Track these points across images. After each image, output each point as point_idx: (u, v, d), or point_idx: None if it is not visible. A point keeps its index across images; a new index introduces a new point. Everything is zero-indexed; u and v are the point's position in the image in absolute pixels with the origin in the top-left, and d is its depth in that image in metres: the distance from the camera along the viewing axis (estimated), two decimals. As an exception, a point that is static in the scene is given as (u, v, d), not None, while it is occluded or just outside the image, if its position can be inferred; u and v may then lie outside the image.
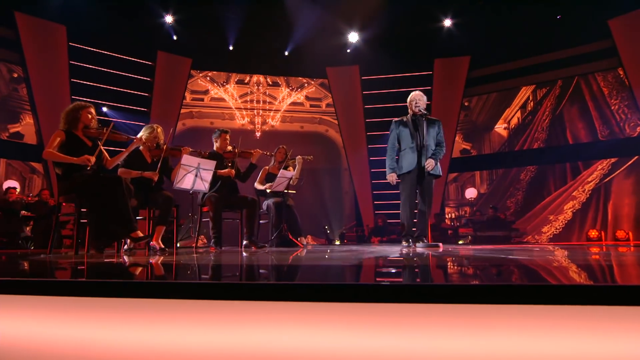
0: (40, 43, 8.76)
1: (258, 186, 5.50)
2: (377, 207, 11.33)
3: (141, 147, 4.16)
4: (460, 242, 9.56)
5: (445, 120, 10.93)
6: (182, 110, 11.00)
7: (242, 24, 10.35)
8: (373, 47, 11.12)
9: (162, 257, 3.07)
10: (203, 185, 4.16)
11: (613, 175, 9.73)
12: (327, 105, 11.93)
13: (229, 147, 4.93)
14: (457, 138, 11.45)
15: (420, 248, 3.97)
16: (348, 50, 11.38)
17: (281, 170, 5.19)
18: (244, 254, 3.63)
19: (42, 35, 8.80)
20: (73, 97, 9.00)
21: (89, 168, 3.39)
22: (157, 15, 9.66)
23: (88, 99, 9.04)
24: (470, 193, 11.19)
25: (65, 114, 3.60)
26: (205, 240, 7.72)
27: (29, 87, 8.68)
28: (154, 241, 3.95)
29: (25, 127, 8.79)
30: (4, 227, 7.18)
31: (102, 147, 3.62)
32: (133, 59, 10.01)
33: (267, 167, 5.74)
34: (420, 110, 4.37)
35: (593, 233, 9.48)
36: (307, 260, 2.69)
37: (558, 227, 10.17)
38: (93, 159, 3.39)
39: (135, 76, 10.05)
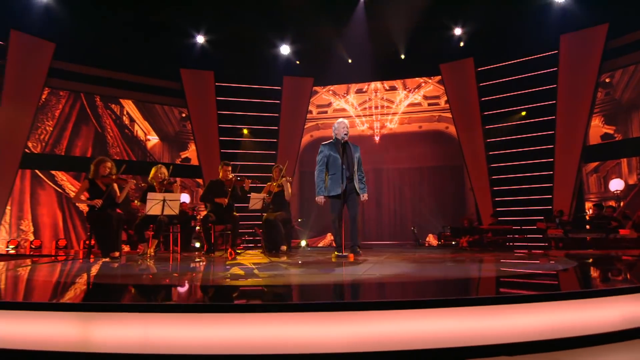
0: (197, 88, 11.55)
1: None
2: (496, 204, 10.75)
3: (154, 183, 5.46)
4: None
5: (577, 102, 9.72)
6: (309, 124, 12.63)
7: (356, 38, 11.31)
8: (486, 36, 10.62)
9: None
10: (172, 211, 4.93)
11: None
12: (446, 101, 11.80)
13: (230, 176, 5.72)
14: (596, 121, 9.90)
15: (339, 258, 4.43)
16: (461, 44, 11.10)
17: (252, 193, 5.86)
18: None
19: (198, 82, 11.58)
20: (220, 125, 11.62)
21: (96, 208, 4.92)
22: (277, 46, 11.49)
23: (230, 125, 11.31)
24: (616, 185, 9.52)
25: (92, 165, 5.09)
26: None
27: (191, 123, 11.56)
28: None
29: (191, 152, 11.75)
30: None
31: (116, 188, 5.07)
32: (264, 87, 12.07)
33: (269, 184, 6.28)
34: (344, 138, 4.65)
35: None
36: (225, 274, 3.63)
37: None
38: (100, 202, 4.88)
39: (267, 101, 12.10)
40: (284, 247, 5.74)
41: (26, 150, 9.59)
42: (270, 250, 5.75)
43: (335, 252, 4.61)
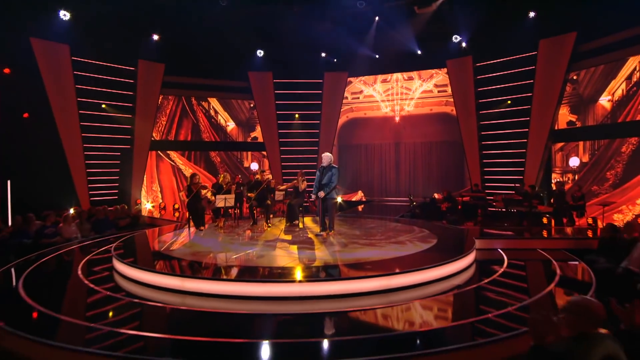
0: (260, 86, 15.58)
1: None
2: (485, 173, 13.88)
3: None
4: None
5: (548, 94, 12.29)
6: (345, 107, 16.27)
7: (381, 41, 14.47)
8: (482, 40, 13.27)
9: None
10: (230, 203, 9.00)
11: None
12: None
13: (266, 178, 9.63)
14: (563, 111, 12.45)
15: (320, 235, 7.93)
16: (464, 44, 13.80)
17: (278, 186, 9.88)
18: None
19: (261, 81, 15.58)
20: (277, 112, 15.71)
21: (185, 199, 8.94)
22: (319, 51, 15.02)
23: (285, 112, 15.27)
24: (573, 162, 12.28)
25: (189, 177, 9.26)
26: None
27: (257, 111, 15.77)
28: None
29: (258, 132, 16.10)
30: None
31: (199, 188, 9.03)
32: (310, 80, 15.79)
33: (295, 182, 9.54)
34: (323, 165, 7.73)
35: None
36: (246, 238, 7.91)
37: (652, 200, 10.56)
38: (186, 198, 8.75)
39: (313, 92, 15.86)
40: (296, 222, 9.34)
41: (152, 138, 14.53)
42: (291, 222, 9.24)
43: (318, 231, 8.15)
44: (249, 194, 9.50)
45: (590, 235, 8.48)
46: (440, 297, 5.04)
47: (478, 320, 4.28)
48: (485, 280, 5.70)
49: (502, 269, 6.26)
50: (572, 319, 2.52)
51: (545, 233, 9.28)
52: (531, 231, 9.42)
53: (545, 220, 10.59)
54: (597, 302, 2.55)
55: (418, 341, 3.83)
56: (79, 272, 6.21)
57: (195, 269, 5.78)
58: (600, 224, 9.91)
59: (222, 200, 8.72)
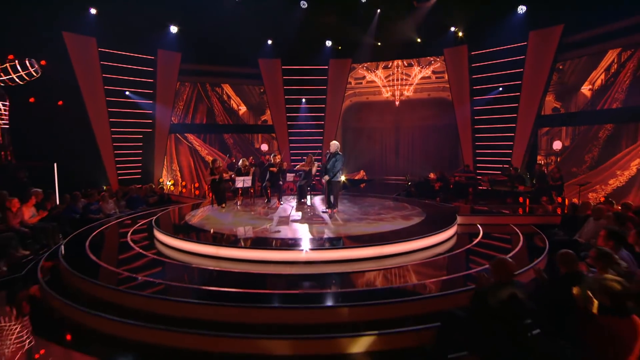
0: (270, 72, 16.67)
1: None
2: (477, 155, 15.08)
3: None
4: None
5: (536, 82, 13.34)
6: (348, 92, 17.37)
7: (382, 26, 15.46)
8: (477, 31, 14.24)
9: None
10: (247, 184, 10.41)
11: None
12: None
13: (278, 161, 10.85)
14: (550, 98, 13.53)
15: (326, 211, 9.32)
16: (461, 34, 14.78)
17: (294, 169, 11.10)
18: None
19: (271, 68, 16.65)
20: (285, 97, 16.84)
21: (210, 180, 10.32)
22: (325, 40, 16.01)
23: (293, 96, 16.49)
24: (556, 145, 13.45)
25: (211, 162, 10.56)
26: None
27: (267, 96, 16.92)
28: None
29: (267, 116, 17.28)
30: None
31: (221, 172, 10.38)
32: (310, 67, 16.84)
33: (301, 164, 10.87)
34: (330, 152, 9.05)
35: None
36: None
37: (622, 181, 11.77)
38: (209, 179, 10.20)
39: (319, 77, 16.93)
40: (304, 200, 10.77)
41: (171, 122, 15.77)
42: (299, 200, 10.72)
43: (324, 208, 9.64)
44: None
45: (559, 213, 9.76)
46: (425, 262, 6.38)
47: (450, 279, 5.63)
48: (461, 249, 7.04)
49: (476, 240, 7.60)
50: (493, 271, 3.86)
51: (520, 210, 10.58)
52: (513, 208, 10.71)
53: (520, 199, 11.85)
54: (511, 261, 3.88)
55: (400, 293, 5.18)
56: (129, 239, 7.61)
57: (221, 239, 7.13)
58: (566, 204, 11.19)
59: (241, 182, 10.05)
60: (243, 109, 17.19)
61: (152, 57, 14.93)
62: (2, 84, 9.61)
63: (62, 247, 7.19)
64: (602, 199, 11.11)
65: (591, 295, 3.09)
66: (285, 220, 8.45)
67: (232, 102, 16.98)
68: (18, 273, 6.52)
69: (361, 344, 4.07)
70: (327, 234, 7.33)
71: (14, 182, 9.26)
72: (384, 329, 4.18)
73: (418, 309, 4.65)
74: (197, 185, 15.83)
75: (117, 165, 14.35)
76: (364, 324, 4.32)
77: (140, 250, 6.97)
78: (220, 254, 6.49)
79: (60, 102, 12.84)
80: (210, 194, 10.13)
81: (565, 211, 9.26)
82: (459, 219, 8.50)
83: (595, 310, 3.02)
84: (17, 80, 9.58)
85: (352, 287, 5.39)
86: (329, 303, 4.79)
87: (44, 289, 5.48)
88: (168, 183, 15.65)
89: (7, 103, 9.98)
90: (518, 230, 8.24)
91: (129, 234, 8.12)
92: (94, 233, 8.29)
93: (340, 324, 4.39)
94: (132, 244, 7.36)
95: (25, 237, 7.45)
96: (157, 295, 4.96)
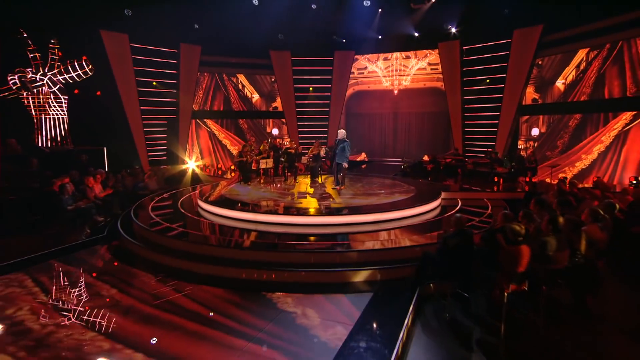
0: (280, 63, 18.38)
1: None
2: (466, 140, 16.97)
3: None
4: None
5: (518, 76, 15.13)
6: (352, 81, 19.13)
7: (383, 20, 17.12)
8: (468, 27, 15.94)
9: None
10: (269, 165, 12.46)
11: (632, 125, 12.52)
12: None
13: (294, 145, 12.76)
14: (530, 89, 15.35)
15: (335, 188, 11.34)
16: (454, 30, 16.47)
17: (307, 153, 12.99)
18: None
19: (281, 59, 18.35)
20: (295, 85, 18.60)
21: (238, 161, 12.29)
22: (331, 33, 17.68)
23: (302, 85, 18.32)
24: (535, 132, 15.35)
25: (241, 146, 12.49)
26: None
27: (278, 84, 18.68)
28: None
29: (278, 103, 19.09)
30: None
31: (248, 155, 12.36)
32: (316, 58, 18.54)
33: (313, 147, 12.82)
34: (338, 139, 11.11)
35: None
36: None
37: (586, 164, 13.73)
38: (237, 160, 12.17)
39: (324, 67, 18.66)
40: (316, 179, 12.74)
41: (192, 109, 17.58)
42: (312, 179, 12.72)
43: (333, 185, 11.69)
44: (281, 159, 12.83)
45: (526, 189, 11.75)
46: (414, 226, 8.36)
47: (430, 235, 7.64)
48: (442, 217, 9.04)
49: (454, 211, 9.59)
50: (453, 222, 5.84)
51: (495, 188, 12.57)
52: (489, 186, 12.68)
53: (495, 179, 13.82)
54: (464, 217, 5.85)
55: (394, 245, 7.17)
56: (179, 207, 9.60)
57: (251, 207, 9.08)
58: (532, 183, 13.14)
59: (264, 163, 12.00)
60: (256, 96, 18.98)
61: (175, 51, 16.64)
62: (63, 81, 11.41)
63: (132, 211, 9.20)
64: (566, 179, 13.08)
65: (504, 235, 5.09)
66: (304, 195, 10.41)
67: (246, 90, 18.76)
68: (101, 234, 8.52)
69: (363, 274, 6.11)
70: (338, 204, 9.31)
71: (77, 165, 11.17)
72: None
73: (407, 254, 6.67)
74: (220, 165, 17.78)
75: (147, 148, 16.25)
76: (368, 264, 6.36)
77: (192, 215, 8.97)
78: (258, 219, 8.46)
79: (98, 93, 14.65)
80: (237, 173, 12.04)
81: (527, 189, 11.29)
82: (444, 195, 10.48)
83: (504, 242, 5.02)
84: (75, 78, 11.37)
85: (359, 241, 7.40)
86: (343, 249, 6.81)
87: (123, 237, 7.57)
88: (192, 164, 17.58)
89: (67, 97, 11.81)
90: (489, 204, 10.23)
91: (178, 203, 10.11)
92: (151, 204, 10.29)
93: (352, 263, 6.43)
94: (183, 211, 9.36)
95: (99, 208, 9.43)
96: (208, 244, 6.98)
